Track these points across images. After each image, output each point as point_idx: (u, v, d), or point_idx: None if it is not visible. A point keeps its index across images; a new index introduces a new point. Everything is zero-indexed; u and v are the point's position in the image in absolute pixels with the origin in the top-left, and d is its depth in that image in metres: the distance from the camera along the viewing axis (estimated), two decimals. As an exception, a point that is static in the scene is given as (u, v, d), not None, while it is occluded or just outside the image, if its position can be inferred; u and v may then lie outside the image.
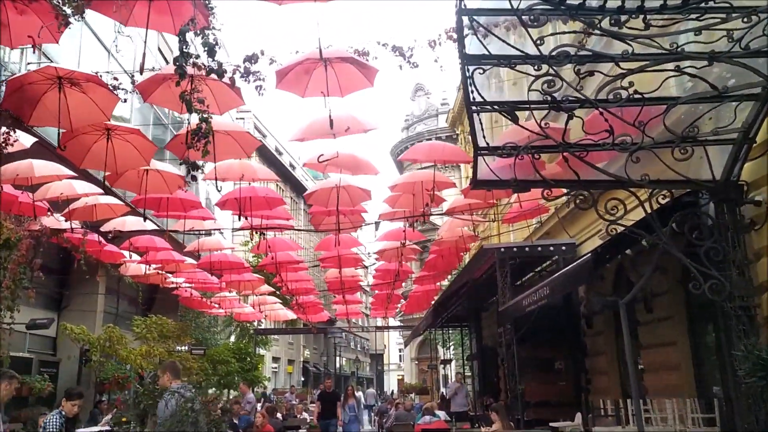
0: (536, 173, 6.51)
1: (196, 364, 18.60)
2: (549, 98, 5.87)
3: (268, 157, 41.66)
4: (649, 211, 6.37)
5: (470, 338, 23.59)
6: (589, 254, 6.86)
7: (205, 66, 4.70)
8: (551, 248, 11.79)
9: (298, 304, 18.82)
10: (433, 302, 18.69)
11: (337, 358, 52.64)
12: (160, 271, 14.04)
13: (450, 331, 27.87)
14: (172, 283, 15.30)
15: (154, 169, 8.12)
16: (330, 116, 6.41)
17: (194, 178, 5.58)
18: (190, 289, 16.65)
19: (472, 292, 15.10)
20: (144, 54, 4.86)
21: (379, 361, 73.66)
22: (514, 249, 11.76)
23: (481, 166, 6.75)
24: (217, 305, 18.61)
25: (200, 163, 5.35)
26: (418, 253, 14.80)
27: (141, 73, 5.06)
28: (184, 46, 4.41)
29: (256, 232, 10.41)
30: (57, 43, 5.38)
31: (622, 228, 6.47)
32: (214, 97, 6.16)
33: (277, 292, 19.14)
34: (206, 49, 4.52)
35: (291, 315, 21.65)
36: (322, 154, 7.86)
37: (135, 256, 12.95)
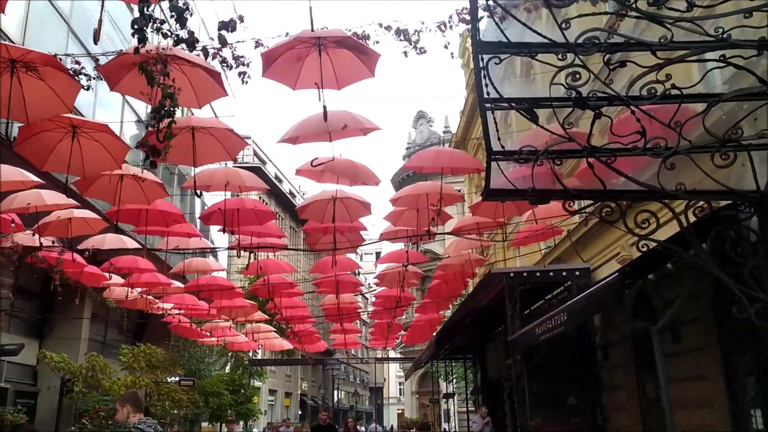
0: (556, 182, 5.81)
1: (185, 396, 17.67)
2: (574, 93, 5.21)
3: (268, 185, 41.04)
4: (685, 224, 5.65)
5: (474, 371, 22.66)
6: (616, 274, 6.10)
7: (172, 34, 4.00)
8: (564, 273, 11.05)
9: (293, 333, 17.88)
10: (435, 333, 17.82)
11: (336, 392, 51.23)
12: (145, 296, 13.10)
13: (452, 364, 26.91)
14: (161, 309, 14.36)
15: (130, 175, 7.33)
16: (324, 107, 5.65)
17: (153, 165, 4.82)
18: (180, 316, 15.70)
19: (477, 322, 14.27)
20: (100, 20, 4.15)
21: (379, 395, 71.89)
22: (525, 274, 10.99)
23: (495, 174, 6.04)
24: (208, 333, 17.69)
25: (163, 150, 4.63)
26: (420, 277, 13.90)
27: (96, 43, 4.33)
28: (146, 7, 3.70)
29: (246, 251, 9.57)
30: (3, 12, 4.72)
31: (655, 244, 5.72)
32: (192, 87, 5.44)
33: (273, 320, 18.20)
34: (174, 14, 3.82)
35: (287, 345, 20.70)
36: (316, 158, 7.09)
37: (117, 279, 12.06)
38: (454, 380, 28.96)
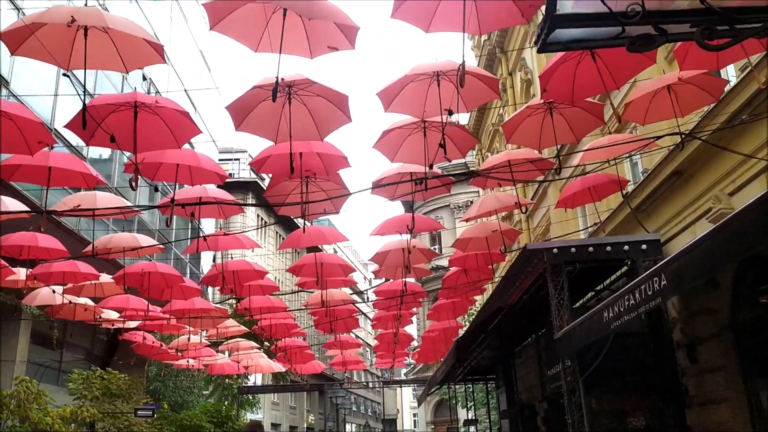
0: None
1: (154, 430, 14.69)
2: None
3: (268, 207, 38.14)
4: None
5: (498, 393, 19.56)
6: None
7: None
8: (626, 247, 8.22)
9: (278, 348, 14.81)
10: (453, 344, 14.79)
11: (345, 424, 47.61)
12: (72, 297, 9.87)
13: (471, 387, 23.77)
14: (105, 319, 11.19)
15: None
16: None
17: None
18: (137, 330, 12.64)
19: (505, 326, 11.35)
20: None
21: (393, 427, 67.91)
22: (572, 249, 8.15)
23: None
24: (175, 351, 14.58)
25: None
26: (432, 258, 10.59)
27: None
28: None
29: (188, 214, 6.49)
30: None
31: None
32: None
33: (251, 331, 15.07)
34: None
35: (277, 366, 17.58)
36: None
37: (22, 271, 8.87)
38: (474, 406, 25.74)
